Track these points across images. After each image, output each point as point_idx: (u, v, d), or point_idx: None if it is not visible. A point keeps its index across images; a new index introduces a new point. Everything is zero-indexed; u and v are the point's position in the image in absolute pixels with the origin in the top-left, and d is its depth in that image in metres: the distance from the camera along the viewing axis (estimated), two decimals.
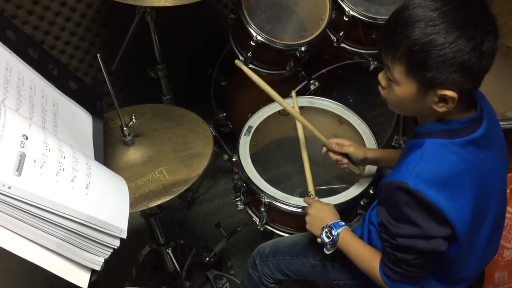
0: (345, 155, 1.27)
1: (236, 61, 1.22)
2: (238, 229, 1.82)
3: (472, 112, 0.90)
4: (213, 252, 1.74)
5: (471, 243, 0.94)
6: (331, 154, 1.29)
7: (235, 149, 1.41)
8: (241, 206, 1.41)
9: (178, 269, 1.52)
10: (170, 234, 1.51)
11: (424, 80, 0.83)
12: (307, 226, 1.15)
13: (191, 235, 1.91)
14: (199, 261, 1.74)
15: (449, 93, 0.82)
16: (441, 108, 0.85)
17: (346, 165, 1.29)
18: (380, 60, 1.47)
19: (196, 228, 1.97)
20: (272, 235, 1.41)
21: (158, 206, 1.05)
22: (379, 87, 0.95)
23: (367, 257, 1.02)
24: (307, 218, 1.16)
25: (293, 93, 1.40)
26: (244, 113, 1.54)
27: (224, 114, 2.00)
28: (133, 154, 1.14)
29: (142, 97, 1.45)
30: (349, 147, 1.26)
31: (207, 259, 1.73)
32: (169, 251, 1.48)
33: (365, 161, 1.28)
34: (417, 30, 0.80)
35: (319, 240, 1.10)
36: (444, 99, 0.84)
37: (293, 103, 1.37)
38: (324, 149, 1.29)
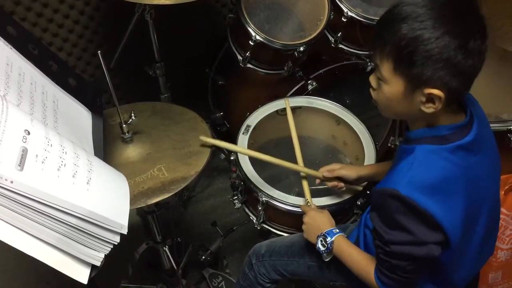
0: (340, 178, 1.27)
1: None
2: (234, 228, 1.82)
3: (462, 117, 0.91)
4: (209, 251, 1.74)
5: (464, 247, 0.95)
6: (327, 183, 1.28)
7: None
8: (238, 205, 1.42)
9: (175, 267, 1.53)
10: (166, 232, 1.51)
11: (411, 77, 0.84)
12: (304, 235, 1.17)
13: (187, 233, 1.91)
14: (195, 260, 1.74)
15: (436, 92, 0.82)
16: (428, 109, 0.85)
17: (343, 188, 1.29)
18: None
19: (192, 227, 1.97)
20: (269, 234, 1.41)
21: (156, 203, 1.06)
22: (370, 89, 0.96)
23: (362, 263, 1.03)
24: (304, 227, 1.17)
25: (286, 101, 1.40)
26: (241, 113, 1.54)
27: (221, 113, 2.01)
28: (132, 152, 1.14)
29: (140, 95, 1.45)
30: (340, 170, 1.25)
31: (203, 257, 1.73)
32: (166, 249, 1.48)
33: (359, 180, 1.27)
34: (404, 26, 0.81)
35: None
36: (431, 99, 0.84)
37: (287, 110, 1.38)
38: (318, 180, 1.30)
